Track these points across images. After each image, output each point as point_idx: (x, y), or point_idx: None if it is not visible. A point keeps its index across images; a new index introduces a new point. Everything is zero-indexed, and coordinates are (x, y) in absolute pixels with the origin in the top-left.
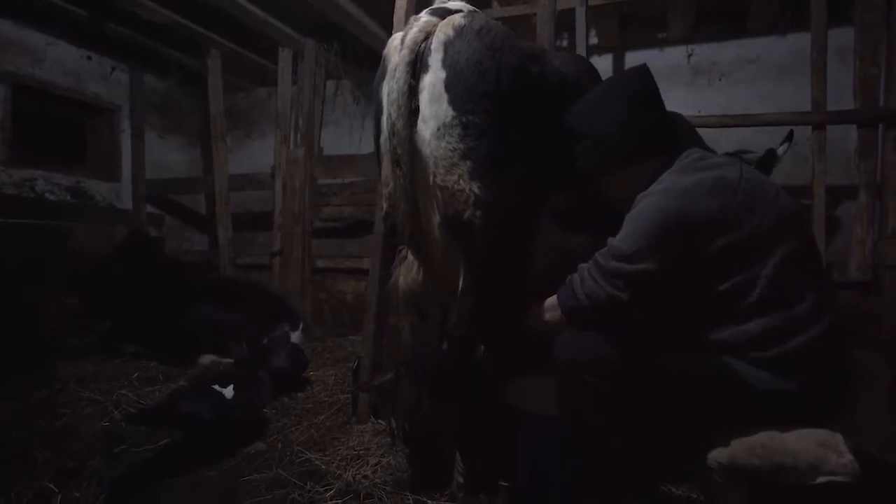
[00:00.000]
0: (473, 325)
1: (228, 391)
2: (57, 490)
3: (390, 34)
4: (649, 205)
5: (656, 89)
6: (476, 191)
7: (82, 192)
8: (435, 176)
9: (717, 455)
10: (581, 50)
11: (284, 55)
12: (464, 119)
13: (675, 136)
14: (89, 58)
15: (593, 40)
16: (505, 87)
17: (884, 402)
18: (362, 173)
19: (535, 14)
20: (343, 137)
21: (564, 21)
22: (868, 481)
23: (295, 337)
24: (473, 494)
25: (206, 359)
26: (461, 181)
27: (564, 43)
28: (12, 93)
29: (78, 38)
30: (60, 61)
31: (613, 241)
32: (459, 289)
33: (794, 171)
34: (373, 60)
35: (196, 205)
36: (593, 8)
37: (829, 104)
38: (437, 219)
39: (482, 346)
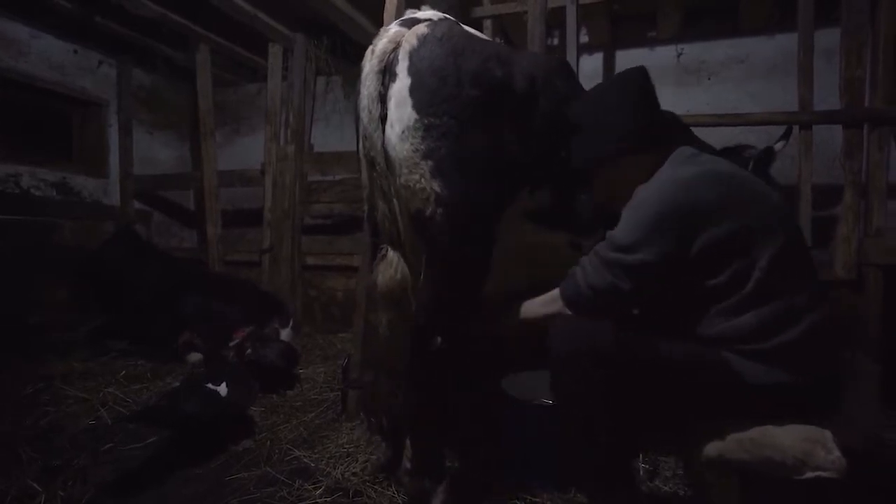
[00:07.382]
0: (432, 315)
1: (222, 389)
2: (41, 489)
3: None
4: (647, 196)
5: (653, 88)
6: (437, 189)
7: (69, 187)
8: (400, 176)
9: (708, 450)
10: (571, 48)
11: (274, 51)
12: (426, 121)
13: (670, 133)
14: (76, 51)
15: (584, 39)
16: (466, 91)
17: (871, 398)
18: (353, 170)
19: (525, 12)
20: (333, 134)
21: (555, 19)
22: (854, 477)
23: (285, 334)
24: (419, 479)
25: (194, 356)
26: (422, 180)
27: (555, 41)
28: None
29: (64, 31)
30: (46, 55)
31: (612, 233)
32: (420, 280)
33: (782, 171)
34: (363, 56)
35: (185, 201)
36: (584, 6)
37: (816, 104)
38: (406, 217)
39: (438, 336)
